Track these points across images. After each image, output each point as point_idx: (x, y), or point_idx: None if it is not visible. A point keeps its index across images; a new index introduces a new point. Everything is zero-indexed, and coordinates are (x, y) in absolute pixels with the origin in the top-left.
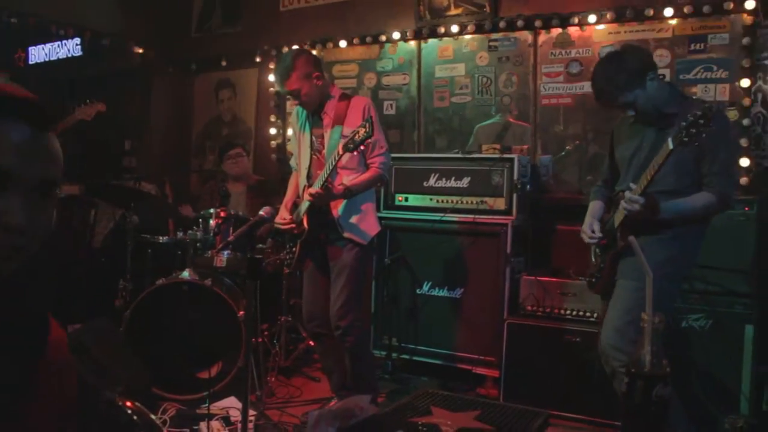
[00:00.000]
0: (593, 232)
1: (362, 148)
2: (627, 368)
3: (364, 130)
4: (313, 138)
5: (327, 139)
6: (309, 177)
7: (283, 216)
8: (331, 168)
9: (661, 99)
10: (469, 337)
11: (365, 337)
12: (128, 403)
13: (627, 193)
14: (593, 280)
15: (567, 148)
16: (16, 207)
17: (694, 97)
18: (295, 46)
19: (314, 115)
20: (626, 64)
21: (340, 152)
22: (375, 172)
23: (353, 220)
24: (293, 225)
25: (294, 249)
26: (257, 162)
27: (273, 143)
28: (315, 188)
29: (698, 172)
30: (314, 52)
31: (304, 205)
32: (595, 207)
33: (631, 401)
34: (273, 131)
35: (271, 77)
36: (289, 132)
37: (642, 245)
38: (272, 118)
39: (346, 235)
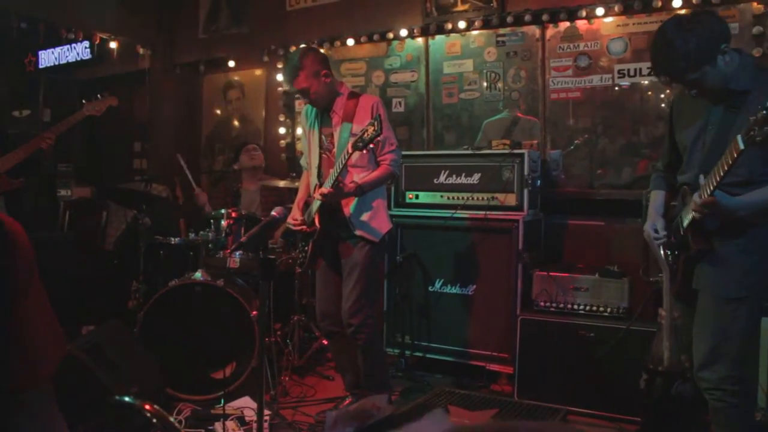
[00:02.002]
0: (657, 231)
1: (371, 146)
2: (645, 364)
3: (372, 128)
4: (323, 137)
5: (336, 137)
6: (320, 176)
7: (294, 216)
8: (341, 166)
9: (730, 73)
10: (482, 333)
11: (377, 335)
12: (147, 406)
13: (695, 197)
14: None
15: (576, 142)
16: None
17: None
18: (303, 45)
19: (323, 114)
20: (696, 35)
21: (350, 150)
22: (386, 170)
23: (364, 217)
24: (304, 226)
25: (306, 248)
26: (267, 161)
27: (282, 143)
28: (326, 187)
29: None
30: (322, 51)
31: (316, 204)
32: (657, 199)
33: (650, 397)
34: (282, 130)
35: (280, 77)
36: (299, 131)
37: (720, 253)
38: (281, 118)
39: (357, 233)
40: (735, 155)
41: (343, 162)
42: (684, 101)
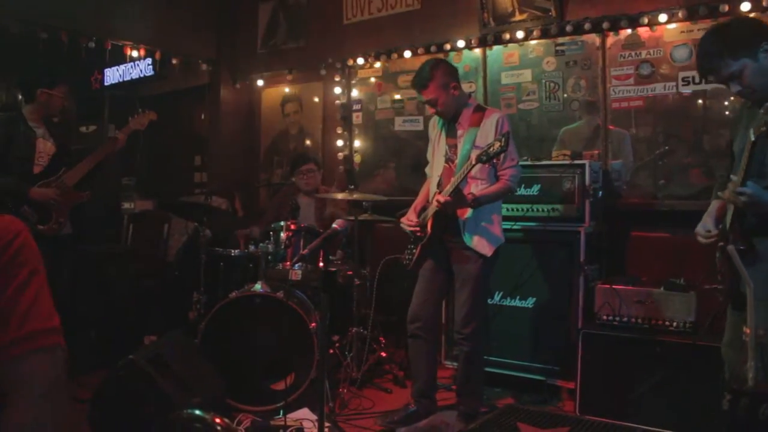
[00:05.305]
0: (708, 231)
1: (495, 161)
2: (728, 384)
3: (499, 143)
4: (447, 147)
5: (459, 148)
6: (439, 184)
7: (410, 217)
8: (462, 177)
9: None
10: (542, 347)
11: (484, 344)
12: (217, 419)
13: (729, 186)
14: (719, 287)
15: (657, 151)
16: None
17: None
18: (433, 58)
19: (449, 125)
20: (733, 30)
21: (473, 162)
22: (504, 185)
23: (480, 229)
24: (418, 228)
25: (414, 250)
26: (324, 174)
27: (340, 155)
28: (444, 195)
29: None
30: (378, 64)
31: (431, 210)
32: (713, 206)
33: (734, 420)
34: (340, 143)
35: (338, 89)
36: (430, 136)
37: (758, 252)
38: (339, 130)
39: (471, 245)
40: (749, 147)
41: (465, 172)
42: (741, 114)
